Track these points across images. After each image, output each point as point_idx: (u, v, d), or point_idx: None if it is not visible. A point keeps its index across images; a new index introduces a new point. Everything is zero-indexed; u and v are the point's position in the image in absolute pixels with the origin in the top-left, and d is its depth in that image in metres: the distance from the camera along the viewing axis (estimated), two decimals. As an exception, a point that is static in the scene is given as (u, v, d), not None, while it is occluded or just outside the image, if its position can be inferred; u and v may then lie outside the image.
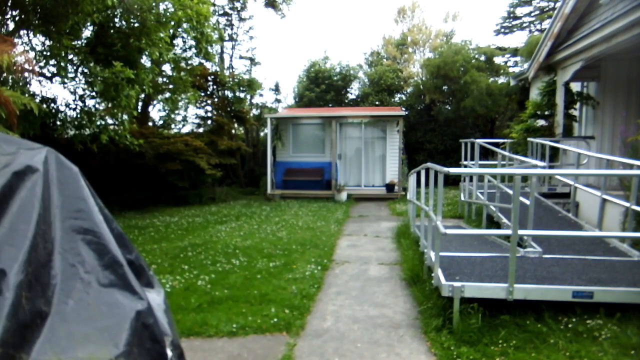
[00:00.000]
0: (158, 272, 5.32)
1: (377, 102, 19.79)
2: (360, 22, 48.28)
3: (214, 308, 4.25)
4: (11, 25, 7.65)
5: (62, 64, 7.47)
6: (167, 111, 14.71)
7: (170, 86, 10.93)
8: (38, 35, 7.83)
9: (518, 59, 19.83)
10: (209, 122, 16.40)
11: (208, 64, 14.34)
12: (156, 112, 15.57)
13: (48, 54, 7.50)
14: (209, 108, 16.50)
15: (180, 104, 13.58)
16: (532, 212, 4.88)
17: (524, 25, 22.76)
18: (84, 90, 8.27)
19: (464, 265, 4.35)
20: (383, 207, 11.78)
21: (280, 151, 14.66)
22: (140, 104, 12.73)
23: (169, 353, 2.31)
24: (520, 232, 4.05)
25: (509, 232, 4.00)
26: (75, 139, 8.17)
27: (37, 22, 7.34)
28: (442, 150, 18.10)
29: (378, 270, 5.66)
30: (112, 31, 8.23)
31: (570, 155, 7.98)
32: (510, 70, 19.38)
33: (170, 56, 9.25)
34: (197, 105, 15.56)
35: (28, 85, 7.48)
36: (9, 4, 7.37)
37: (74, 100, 8.53)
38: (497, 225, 6.79)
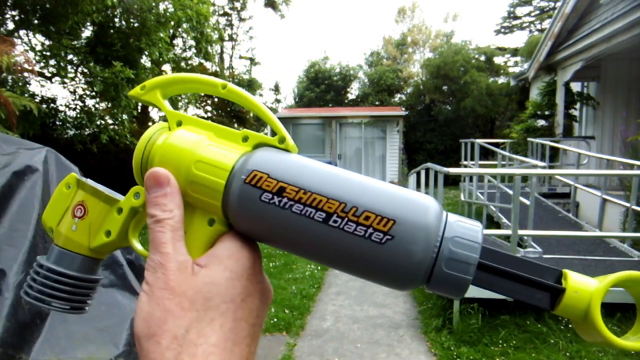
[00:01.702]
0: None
1: (377, 102, 19.79)
2: (360, 22, 48.33)
3: (214, 308, 4.25)
4: (11, 25, 7.64)
5: (62, 64, 7.46)
6: (167, 111, 14.69)
7: (170, 86, 10.91)
8: (38, 35, 7.83)
9: (518, 59, 19.85)
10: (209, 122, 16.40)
11: (208, 64, 14.33)
12: (156, 112, 15.57)
13: (48, 54, 7.50)
14: (208, 108, 16.49)
15: (180, 104, 13.57)
16: (532, 212, 4.88)
17: (524, 25, 22.79)
18: (83, 90, 8.27)
19: (464, 265, 4.34)
20: (383, 207, 11.78)
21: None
22: (140, 104, 12.73)
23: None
24: (520, 232, 4.05)
25: (509, 232, 4.00)
26: (75, 139, 8.15)
27: (37, 22, 7.34)
28: (442, 150, 18.09)
29: (378, 270, 5.66)
30: (112, 31, 8.23)
31: (570, 155, 7.97)
32: (510, 70, 19.41)
33: (170, 56, 9.24)
34: (197, 105, 15.55)
35: (28, 86, 7.48)
36: (9, 4, 7.37)
37: (73, 100, 8.53)
38: (497, 225, 6.78)
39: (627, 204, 5.07)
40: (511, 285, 0.31)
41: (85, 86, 8.08)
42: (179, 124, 0.38)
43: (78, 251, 0.38)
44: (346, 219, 0.30)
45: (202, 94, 15.26)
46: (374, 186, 0.32)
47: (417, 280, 0.31)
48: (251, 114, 17.24)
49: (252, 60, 18.66)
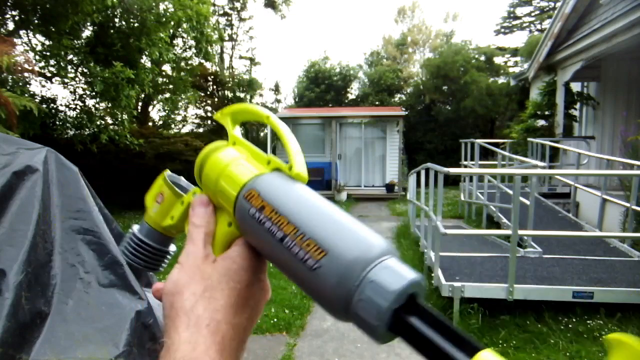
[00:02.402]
0: (158, 272, 5.32)
1: (377, 102, 19.79)
2: (360, 22, 48.35)
3: (214, 308, 4.24)
4: (11, 25, 7.64)
5: (62, 64, 7.46)
6: (167, 111, 14.70)
7: (170, 86, 10.91)
8: (38, 35, 7.83)
9: (518, 59, 19.85)
10: (209, 122, 16.40)
11: (208, 64, 14.32)
12: (156, 112, 15.57)
13: (48, 54, 7.50)
14: (209, 108, 16.49)
15: (180, 104, 13.56)
16: (532, 212, 4.88)
17: (524, 25, 22.80)
18: (84, 90, 8.27)
19: (463, 265, 4.35)
20: (383, 207, 11.78)
21: (280, 151, 14.66)
22: (140, 104, 12.73)
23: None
24: (520, 232, 4.05)
25: (509, 232, 4.01)
26: (75, 139, 8.15)
27: (37, 22, 7.34)
28: (442, 151, 18.08)
29: (378, 270, 5.65)
30: (112, 31, 8.23)
31: (571, 155, 7.97)
32: (510, 70, 19.40)
33: (170, 56, 9.23)
34: (197, 105, 15.55)
35: (28, 86, 7.48)
36: (9, 4, 7.37)
37: (73, 100, 8.53)
38: (497, 225, 6.79)
39: (627, 204, 5.07)
40: (421, 345, 0.31)
41: (85, 86, 8.08)
42: (234, 143, 0.47)
43: (155, 228, 0.51)
44: (295, 241, 0.34)
45: (202, 95, 15.30)
46: (331, 218, 0.35)
47: (337, 312, 0.33)
48: (251, 115, 17.24)
49: (252, 60, 18.66)
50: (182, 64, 11.01)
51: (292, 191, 0.39)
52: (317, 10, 49.74)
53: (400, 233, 7.57)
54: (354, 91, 22.40)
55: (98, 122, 8.20)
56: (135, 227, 0.52)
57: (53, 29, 7.29)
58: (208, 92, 16.05)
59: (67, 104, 8.57)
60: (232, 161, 0.43)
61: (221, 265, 0.40)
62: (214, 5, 15.86)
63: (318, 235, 0.33)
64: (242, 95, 16.33)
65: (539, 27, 21.67)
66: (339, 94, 21.41)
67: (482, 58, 18.88)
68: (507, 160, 7.83)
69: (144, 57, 8.68)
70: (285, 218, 0.35)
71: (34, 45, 8.03)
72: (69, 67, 7.82)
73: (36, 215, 2.22)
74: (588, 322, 3.53)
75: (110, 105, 8.05)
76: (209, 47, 10.27)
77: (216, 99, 16.23)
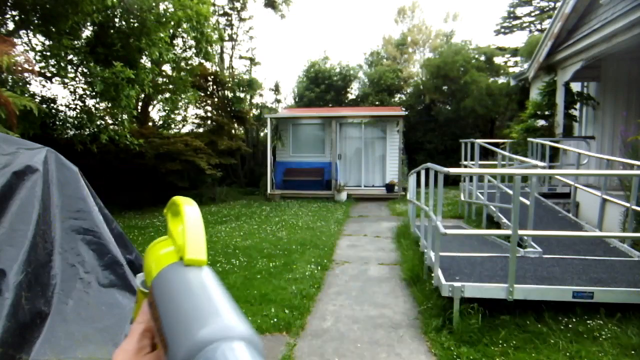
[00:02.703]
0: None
1: (377, 102, 19.79)
2: (360, 22, 48.33)
3: (214, 308, 4.24)
4: (11, 25, 7.64)
5: (62, 64, 7.45)
6: (167, 111, 14.70)
7: (170, 86, 10.91)
8: (38, 35, 7.82)
9: (518, 59, 19.84)
10: (209, 122, 16.39)
11: (208, 64, 14.32)
12: (156, 112, 15.56)
13: (48, 54, 7.49)
14: (209, 108, 16.47)
15: (180, 104, 13.56)
16: (532, 212, 4.88)
17: (524, 25, 22.79)
18: (84, 90, 8.27)
19: (464, 265, 4.35)
20: (383, 207, 11.78)
21: (280, 151, 14.66)
22: (140, 104, 12.73)
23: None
24: (520, 232, 4.05)
25: (509, 232, 4.00)
26: (75, 139, 8.15)
27: (37, 22, 7.34)
28: (442, 150, 18.08)
29: (378, 270, 5.66)
30: (112, 31, 8.22)
31: (571, 155, 7.97)
32: (510, 70, 19.39)
33: (170, 56, 9.23)
34: (197, 105, 15.53)
35: (28, 86, 7.48)
36: (9, 4, 7.37)
37: (73, 100, 8.52)
38: (497, 225, 6.79)
39: (627, 204, 5.07)
40: None
41: (85, 86, 8.08)
42: (170, 236, 0.52)
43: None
44: (159, 333, 0.39)
45: (202, 95, 15.30)
46: (184, 311, 0.39)
47: None
48: (251, 114, 17.25)
49: (252, 60, 18.64)
50: (182, 64, 11.01)
51: (169, 285, 0.44)
52: (317, 10, 49.67)
53: (400, 233, 7.57)
54: (354, 91, 22.40)
55: (98, 122, 8.20)
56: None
57: (53, 29, 7.29)
58: (208, 92, 16.04)
59: (67, 104, 8.57)
60: (155, 259, 0.49)
61: (147, 357, 0.45)
62: (214, 5, 15.85)
63: (166, 331, 0.38)
64: (242, 95, 16.33)
65: (539, 27, 21.67)
66: (339, 94, 21.41)
67: (482, 58, 18.86)
68: (507, 160, 7.82)
69: (144, 57, 8.68)
70: (157, 312, 0.41)
71: (34, 45, 8.03)
72: (69, 67, 7.82)
73: (36, 215, 2.22)
74: (588, 322, 3.53)
75: (110, 105, 8.05)
76: (209, 47, 10.27)
77: (216, 99, 16.23)
